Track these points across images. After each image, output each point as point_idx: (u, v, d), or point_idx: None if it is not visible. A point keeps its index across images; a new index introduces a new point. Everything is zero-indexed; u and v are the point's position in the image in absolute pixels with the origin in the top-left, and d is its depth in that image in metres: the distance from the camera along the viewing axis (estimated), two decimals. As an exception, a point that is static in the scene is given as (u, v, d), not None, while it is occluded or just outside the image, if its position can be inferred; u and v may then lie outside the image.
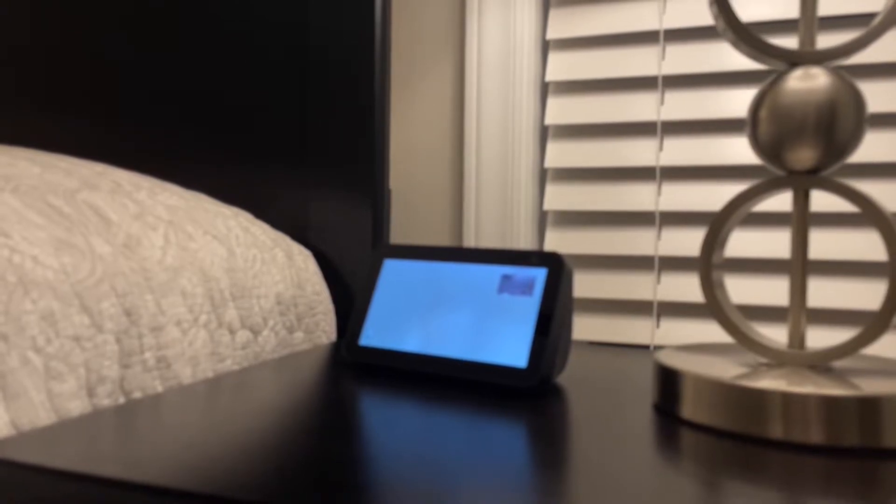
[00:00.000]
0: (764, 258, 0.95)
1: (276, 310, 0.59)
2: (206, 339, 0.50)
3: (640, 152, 0.98)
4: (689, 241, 0.97)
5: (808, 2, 0.39)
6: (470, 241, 1.06)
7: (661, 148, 0.98)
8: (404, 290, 0.51)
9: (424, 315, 0.49)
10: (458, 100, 1.08)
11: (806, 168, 0.39)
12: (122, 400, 0.43)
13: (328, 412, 0.39)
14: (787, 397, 0.34)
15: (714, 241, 0.41)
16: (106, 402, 0.41)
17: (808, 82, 0.38)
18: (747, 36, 0.39)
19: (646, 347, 0.97)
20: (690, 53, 0.96)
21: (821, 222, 0.92)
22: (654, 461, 0.31)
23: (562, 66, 1.02)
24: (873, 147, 0.89)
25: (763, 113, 0.39)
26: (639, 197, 0.99)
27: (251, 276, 0.57)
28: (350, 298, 0.71)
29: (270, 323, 0.58)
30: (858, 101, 0.37)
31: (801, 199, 0.40)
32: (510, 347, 0.45)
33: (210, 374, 0.50)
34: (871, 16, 0.90)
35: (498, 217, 1.05)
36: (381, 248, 0.54)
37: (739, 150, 0.94)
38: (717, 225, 0.41)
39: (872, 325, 0.37)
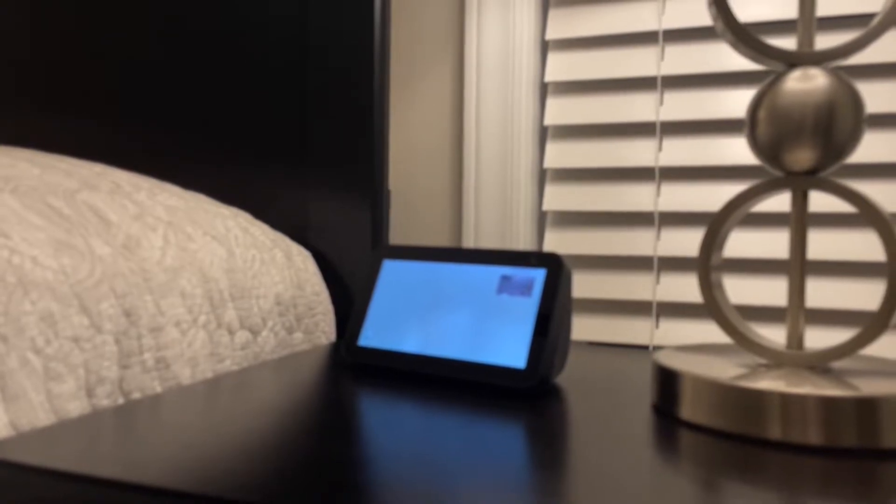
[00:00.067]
0: (762, 259, 0.95)
1: (276, 310, 0.59)
2: (206, 339, 0.50)
3: (639, 153, 0.98)
4: (688, 242, 0.97)
5: (806, 2, 0.40)
6: (469, 242, 1.06)
7: (660, 148, 0.98)
8: (403, 290, 0.51)
9: (423, 316, 0.49)
10: (458, 100, 1.08)
11: (804, 169, 0.39)
12: (121, 401, 0.43)
13: (327, 413, 0.39)
14: (785, 398, 0.34)
15: (713, 242, 0.41)
16: (105, 402, 0.41)
17: (806, 83, 0.38)
18: (746, 37, 0.40)
19: (645, 348, 0.97)
20: (689, 54, 0.96)
21: (819, 223, 0.92)
22: (652, 462, 0.31)
23: (561, 67, 1.02)
24: (872, 148, 0.89)
25: (761, 114, 0.39)
26: (638, 197, 0.99)
27: (250, 276, 0.57)
28: (349, 299, 0.71)
29: (270, 323, 0.58)
30: (857, 101, 0.37)
31: (800, 200, 0.40)
32: (509, 348, 0.45)
33: (209, 375, 0.50)
34: (869, 16, 0.90)
35: (497, 217, 1.05)
36: (380, 248, 0.54)
37: (738, 150, 0.94)
38: (716, 225, 0.41)
39: (871, 325, 0.37)
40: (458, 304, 0.48)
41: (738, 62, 0.94)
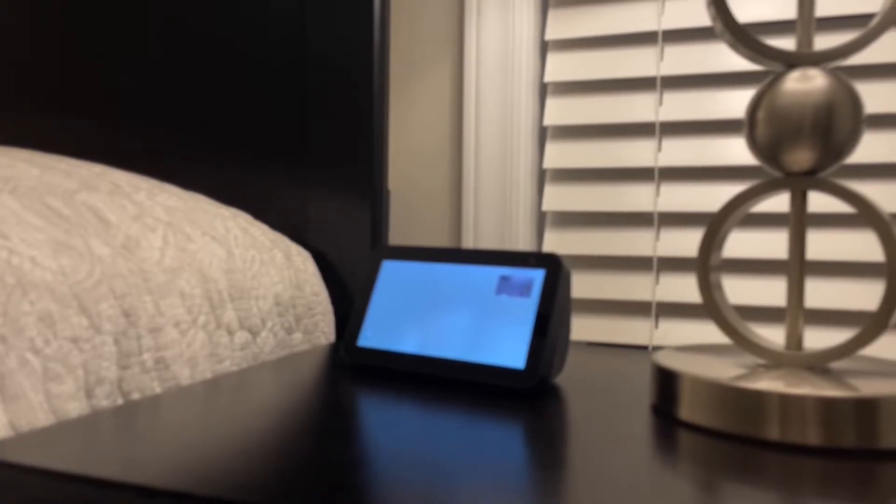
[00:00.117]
0: (762, 259, 0.95)
1: (275, 311, 0.59)
2: (205, 340, 0.50)
3: (638, 153, 0.98)
4: (687, 242, 0.97)
5: (805, 3, 0.40)
6: (469, 242, 1.06)
7: (659, 149, 0.98)
8: (403, 291, 0.51)
9: (423, 316, 0.49)
10: (457, 101, 1.08)
11: (803, 169, 0.39)
12: (120, 401, 0.43)
13: (327, 413, 0.39)
14: (784, 398, 0.34)
15: (712, 242, 0.41)
16: (104, 403, 0.41)
17: (805, 84, 0.38)
18: (745, 37, 0.40)
19: (644, 348, 0.97)
20: (689, 54, 0.96)
21: (818, 223, 0.92)
22: (651, 462, 0.31)
23: (560, 67, 1.02)
24: (871, 148, 0.89)
25: (760, 114, 0.39)
26: (637, 198, 0.99)
27: (250, 276, 0.57)
28: (349, 299, 0.71)
29: (269, 324, 0.58)
30: (856, 102, 0.37)
31: (799, 201, 0.40)
32: (508, 348, 0.45)
33: (208, 375, 0.50)
34: (868, 16, 0.90)
35: (497, 218, 1.05)
36: (379, 249, 0.54)
37: (737, 150, 0.94)
38: (715, 226, 0.41)
39: (870, 325, 0.37)
40: (457, 305, 0.48)
41: (738, 62, 0.94)
